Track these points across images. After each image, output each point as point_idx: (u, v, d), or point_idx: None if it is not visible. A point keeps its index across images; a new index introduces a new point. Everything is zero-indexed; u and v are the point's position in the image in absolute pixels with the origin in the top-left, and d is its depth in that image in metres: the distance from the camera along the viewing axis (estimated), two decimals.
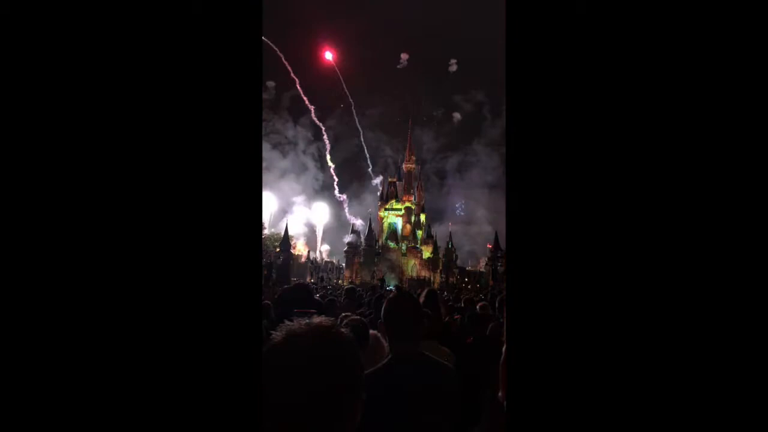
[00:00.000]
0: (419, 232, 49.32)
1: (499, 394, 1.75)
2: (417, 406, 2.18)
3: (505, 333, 1.87)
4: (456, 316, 5.99)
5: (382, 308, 2.44)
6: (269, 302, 6.06)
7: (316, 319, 1.18)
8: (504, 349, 1.76)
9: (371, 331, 3.22)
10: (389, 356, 2.35)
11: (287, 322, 1.17)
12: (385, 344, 2.92)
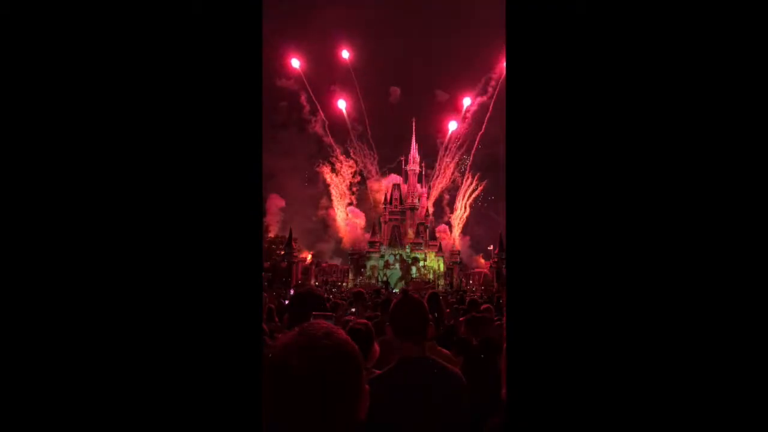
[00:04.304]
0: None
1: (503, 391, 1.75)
2: (423, 408, 2.17)
3: (504, 333, 1.87)
4: (461, 318, 5.98)
5: (389, 311, 2.44)
6: (273, 306, 6.06)
7: (311, 325, 1.18)
8: (504, 348, 1.76)
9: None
10: (396, 359, 2.35)
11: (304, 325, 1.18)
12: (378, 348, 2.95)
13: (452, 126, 51.34)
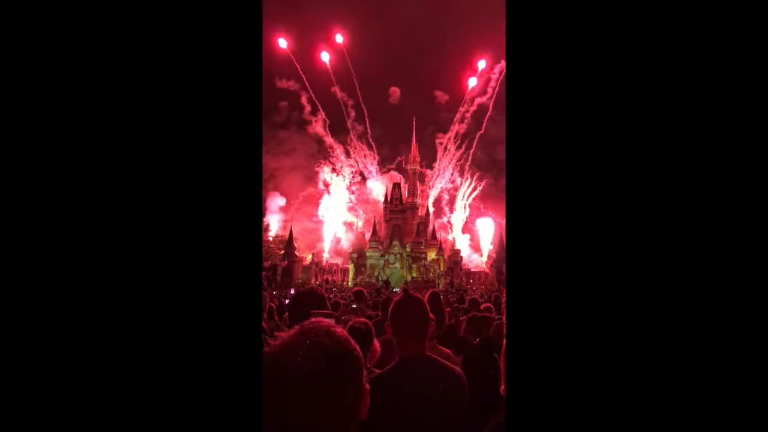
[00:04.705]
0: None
1: (502, 387, 1.75)
2: (425, 407, 2.18)
3: (505, 331, 1.88)
4: (462, 318, 5.99)
5: (390, 310, 2.44)
6: (273, 305, 6.06)
7: (311, 323, 1.17)
8: (504, 344, 1.76)
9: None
10: (398, 358, 2.35)
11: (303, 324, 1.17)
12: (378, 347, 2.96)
13: (472, 82, 51.57)
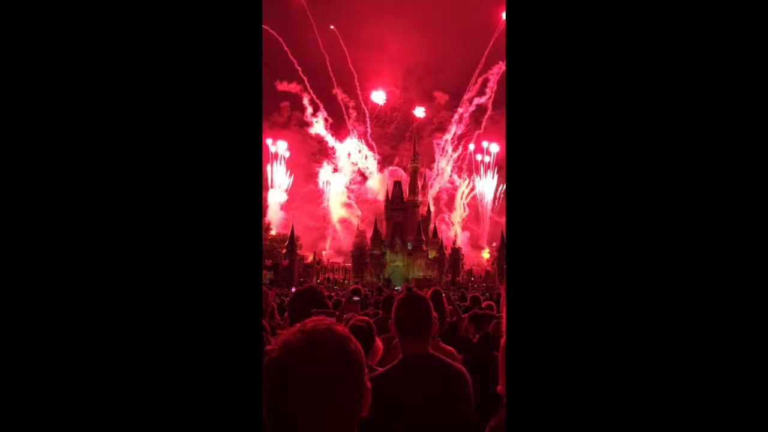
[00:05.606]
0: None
1: (498, 387, 1.74)
2: (427, 405, 2.18)
3: (504, 329, 1.87)
4: (463, 315, 6.00)
5: (393, 308, 2.44)
6: (274, 303, 6.06)
7: (312, 321, 1.17)
8: (502, 342, 1.76)
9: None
10: (400, 356, 2.35)
11: (303, 322, 1.18)
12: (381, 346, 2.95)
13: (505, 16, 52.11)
